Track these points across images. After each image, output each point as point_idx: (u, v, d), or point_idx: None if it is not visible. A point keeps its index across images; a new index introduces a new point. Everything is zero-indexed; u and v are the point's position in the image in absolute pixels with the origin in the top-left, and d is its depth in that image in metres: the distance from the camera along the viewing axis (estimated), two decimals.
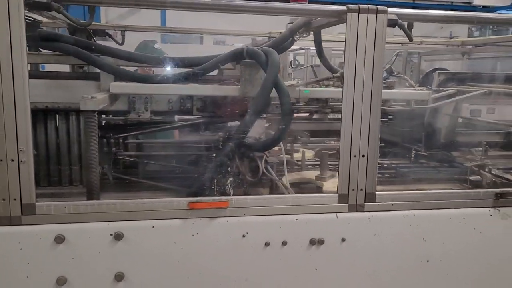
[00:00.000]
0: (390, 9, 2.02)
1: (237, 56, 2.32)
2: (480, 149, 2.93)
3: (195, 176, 2.21)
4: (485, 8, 20.59)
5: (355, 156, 2.10)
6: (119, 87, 2.28)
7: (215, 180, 2.06)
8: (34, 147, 1.93)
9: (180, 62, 2.36)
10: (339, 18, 2.10)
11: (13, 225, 1.85)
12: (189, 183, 2.22)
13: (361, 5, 1.99)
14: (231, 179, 2.09)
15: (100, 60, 2.24)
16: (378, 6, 2.00)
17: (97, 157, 1.99)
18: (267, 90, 2.14)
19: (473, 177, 2.82)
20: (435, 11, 2.09)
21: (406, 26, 2.12)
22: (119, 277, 1.95)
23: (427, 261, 2.24)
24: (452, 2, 20.06)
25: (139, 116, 2.52)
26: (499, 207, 2.27)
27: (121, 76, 2.25)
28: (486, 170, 2.85)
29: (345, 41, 2.01)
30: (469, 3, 20.67)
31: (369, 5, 2.00)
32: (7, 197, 1.83)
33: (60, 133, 2.42)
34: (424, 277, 2.25)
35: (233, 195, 2.11)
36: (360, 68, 2.03)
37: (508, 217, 2.28)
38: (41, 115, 2.38)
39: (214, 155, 2.20)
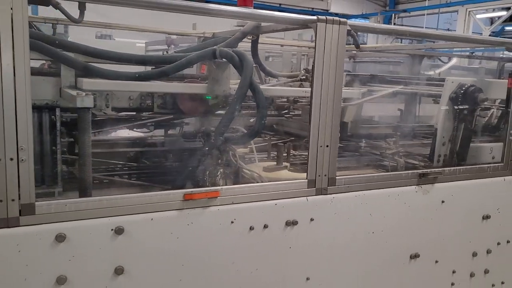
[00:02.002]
0: (348, 21, 2.39)
1: (208, 56, 2.46)
2: (394, 139, 3.51)
3: (180, 169, 2.31)
4: (340, 15, 22.99)
5: (321, 146, 2.43)
6: (93, 83, 2.25)
7: (207, 171, 2.20)
8: None
9: (152, 60, 2.42)
10: (306, 26, 2.40)
11: (11, 227, 1.77)
12: (171, 176, 2.31)
13: (328, 17, 2.32)
14: (221, 170, 2.25)
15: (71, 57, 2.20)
16: (340, 19, 2.36)
17: (90, 154, 1.98)
18: (245, 89, 2.34)
19: (389, 163, 3.38)
20: (382, 25, 2.51)
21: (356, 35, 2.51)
22: (119, 270, 1.98)
23: (373, 232, 2.68)
24: (312, 8, 22.04)
25: (104, 113, 2.51)
26: (421, 184, 2.82)
27: (95, 72, 2.23)
28: (397, 156, 3.43)
29: (314, 47, 2.32)
30: (327, 10, 22.92)
31: (333, 17, 2.34)
32: (4, 198, 1.74)
33: None
34: (370, 246, 2.69)
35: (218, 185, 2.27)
36: (326, 70, 2.36)
37: (428, 192, 2.84)
38: None
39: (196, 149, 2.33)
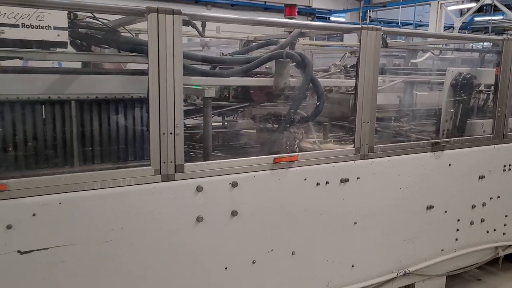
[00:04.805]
0: (383, 28, 3.20)
1: (277, 56, 3.24)
2: (406, 119, 4.36)
3: (273, 139, 3.11)
4: (322, 10, 23.86)
5: (364, 122, 3.24)
6: (199, 80, 2.99)
7: (288, 142, 2.99)
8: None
9: (236, 62, 3.20)
10: (350, 32, 3.21)
11: (170, 181, 2.52)
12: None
13: (369, 25, 3.12)
14: (297, 141, 3.04)
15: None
16: (377, 26, 3.16)
17: (211, 131, 2.75)
18: (308, 81, 3.13)
19: (404, 137, 4.23)
20: (408, 29, 3.33)
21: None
22: (234, 213, 2.76)
23: (400, 188, 3.52)
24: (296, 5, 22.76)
25: (194, 101, 3.29)
26: (434, 151, 3.67)
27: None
28: (410, 132, 4.28)
29: (359, 47, 3.13)
30: (309, 6, 23.74)
31: (373, 25, 3.14)
32: (166, 161, 2.50)
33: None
34: (399, 199, 3.53)
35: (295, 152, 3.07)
36: (368, 67, 3.17)
37: (438, 158, 3.70)
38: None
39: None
